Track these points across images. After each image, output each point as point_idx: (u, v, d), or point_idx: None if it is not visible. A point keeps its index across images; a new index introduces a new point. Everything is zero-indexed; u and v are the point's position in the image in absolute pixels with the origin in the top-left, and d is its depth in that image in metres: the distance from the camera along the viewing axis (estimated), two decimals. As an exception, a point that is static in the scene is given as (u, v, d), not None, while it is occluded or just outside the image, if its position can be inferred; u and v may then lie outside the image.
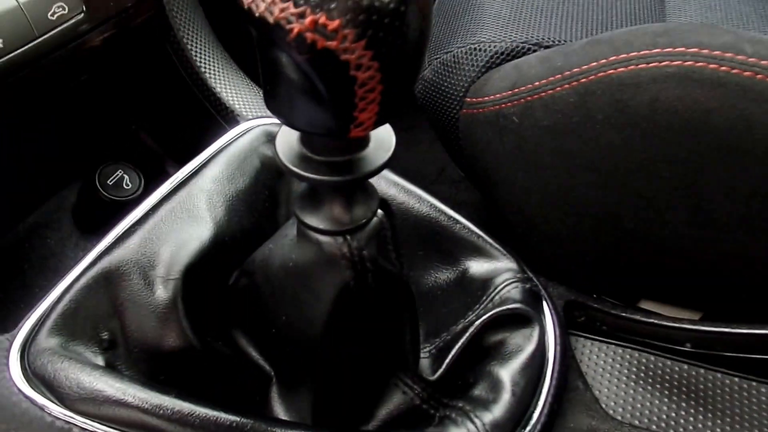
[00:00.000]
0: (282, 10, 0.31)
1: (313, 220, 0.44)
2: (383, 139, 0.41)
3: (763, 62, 0.51)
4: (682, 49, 0.54)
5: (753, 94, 0.52)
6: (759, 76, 0.51)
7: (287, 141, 0.41)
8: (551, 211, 0.70)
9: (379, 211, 0.47)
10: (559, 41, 0.75)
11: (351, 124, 0.35)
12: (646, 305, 0.76)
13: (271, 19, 0.31)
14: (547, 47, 0.75)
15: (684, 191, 0.59)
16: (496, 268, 0.59)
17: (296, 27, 0.31)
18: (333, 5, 0.31)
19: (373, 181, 0.56)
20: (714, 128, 0.54)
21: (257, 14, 0.32)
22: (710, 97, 0.53)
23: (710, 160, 0.56)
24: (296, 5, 0.31)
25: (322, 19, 0.31)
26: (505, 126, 0.69)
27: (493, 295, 0.57)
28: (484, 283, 0.58)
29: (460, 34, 0.81)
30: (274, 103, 0.37)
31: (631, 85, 0.57)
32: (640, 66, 0.56)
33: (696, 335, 0.66)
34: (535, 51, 0.75)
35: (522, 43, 0.75)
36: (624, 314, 0.68)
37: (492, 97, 0.71)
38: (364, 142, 0.40)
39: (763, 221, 0.57)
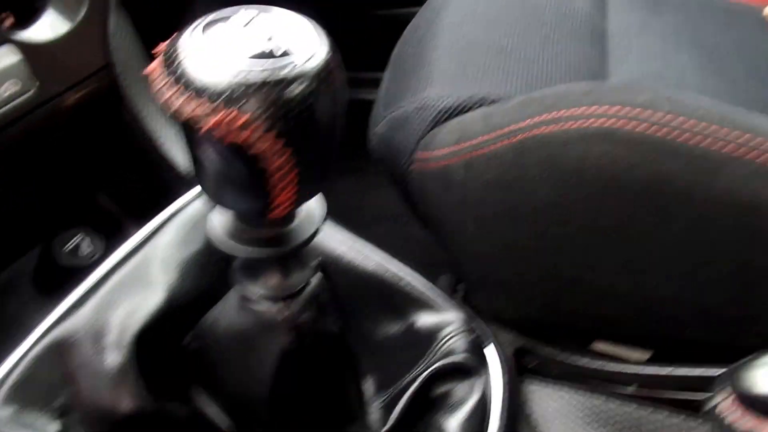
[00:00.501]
0: (195, 107, 0.33)
1: (250, 288, 0.46)
2: (312, 211, 0.44)
3: (677, 120, 0.55)
4: (604, 108, 0.57)
5: (669, 150, 0.55)
6: (674, 133, 0.55)
7: (219, 215, 0.44)
8: (499, 261, 0.72)
9: (318, 275, 0.49)
10: (503, 97, 0.77)
11: (269, 207, 0.38)
12: (600, 345, 0.79)
13: (184, 115, 0.34)
14: (492, 103, 0.78)
15: (615, 242, 0.62)
16: (442, 320, 0.61)
17: (209, 122, 0.33)
18: (243, 101, 0.33)
19: (323, 239, 0.58)
20: (636, 184, 0.57)
21: (172, 110, 0.34)
22: (631, 154, 0.56)
23: (635, 213, 0.59)
24: (210, 100, 0.33)
25: (233, 114, 0.33)
26: (451, 181, 0.72)
27: (437, 347, 0.59)
28: (430, 336, 0.60)
29: (410, 90, 0.84)
30: (200, 181, 0.40)
31: (560, 143, 0.59)
32: (567, 125, 0.59)
33: (640, 377, 0.69)
34: (480, 106, 0.78)
35: (467, 99, 0.77)
36: (568, 360, 0.70)
37: (438, 152, 0.74)
38: (290, 217, 0.43)
39: (686, 268, 0.60)
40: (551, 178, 0.61)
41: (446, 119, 0.78)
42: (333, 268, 0.59)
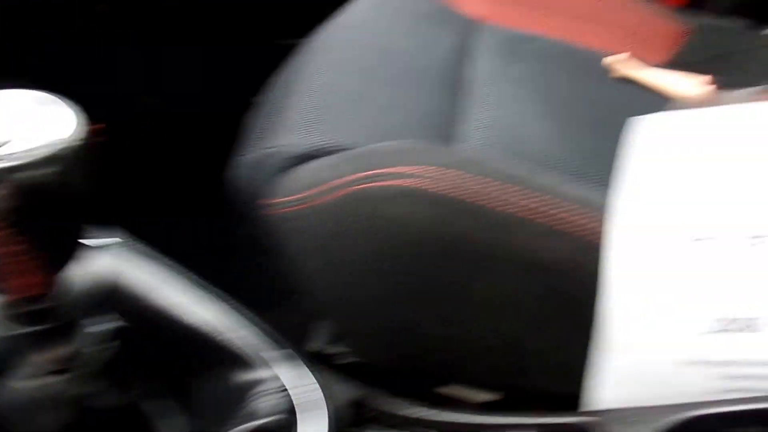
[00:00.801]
0: None
1: (26, 362, 0.45)
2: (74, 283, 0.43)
3: (476, 182, 0.57)
4: (410, 168, 0.59)
5: (468, 211, 0.57)
6: (472, 194, 0.57)
7: None
8: (336, 311, 0.73)
9: (112, 343, 0.49)
10: (350, 147, 0.77)
11: (13, 287, 0.37)
12: (451, 388, 0.80)
13: None
14: (338, 152, 0.77)
15: (433, 296, 0.64)
16: (258, 379, 0.61)
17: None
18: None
19: (142, 296, 0.58)
20: (438, 243, 0.59)
21: None
22: (432, 213, 0.59)
23: (442, 270, 0.61)
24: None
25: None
26: (290, 230, 0.73)
27: (248, 407, 0.59)
28: (243, 395, 0.60)
29: (263, 135, 0.83)
30: None
31: (375, 200, 0.62)
32: (380, 182, 0.61)
33: (476, 426, 0.70)
34: (327, 155, 0.77)
35: (315, 147, 0.77)
36: (406, 410, 0.71)
37: (282, 200, 0.74)
38: (47, 294, 0.42)
39: (498, 321, 0.63)
40: (370, 234, 0.63)
41: (293, 167, 0.78)
42: (150, 326, 0.59)
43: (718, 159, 0.59)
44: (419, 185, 0.58)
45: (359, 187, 0.63)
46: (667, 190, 0.58)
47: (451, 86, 0.87)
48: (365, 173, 0.63)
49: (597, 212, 0.58)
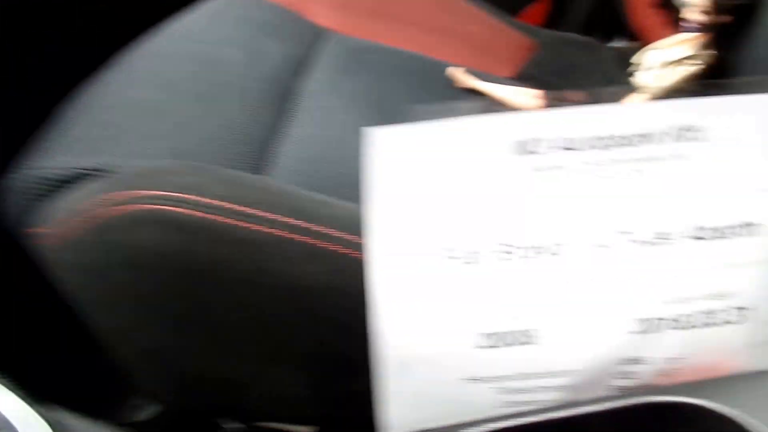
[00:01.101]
0: None
1: None
2: None
3: (224, 204, 0.53)
4: (153, 191, 0.54)
5: (219, 234, 0.53)
6: (219, 217, 0.53)
7: None
8: (117, 349, 0.68)
9: None
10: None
11: None
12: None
13: None
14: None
15: (198, 329, 0.60)
16: None
17: None
18: None
19: None
20: (192, 268, 0.55)
21: None
22: (181, 238, 0.54)
23: (202, 298, 0.57)
24: None
25: None
26: (51, 264, 0.66)
27: None
28: None
29: (39, 154, 0.75)
30: None
31: (122, 227, 0.56)
32: (126, 207, 0.56)
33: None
34: (97, 178, 0.70)
35: (83, 170, 0.68)
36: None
37: (40, 230, 0.67)
38: None
39: (273, 350, 0.60)
40: (122, 263, 0.58)
41: (55, 191, 0.70)
42: None
43: (466, 172, 0.55)
44: (163, 208, 0.54)
45: (111, 212, 0.57)
46: (418, 206, 0.54)
47: (279, 99, 0.80)
48: (114, 198, 0.57)
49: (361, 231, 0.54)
